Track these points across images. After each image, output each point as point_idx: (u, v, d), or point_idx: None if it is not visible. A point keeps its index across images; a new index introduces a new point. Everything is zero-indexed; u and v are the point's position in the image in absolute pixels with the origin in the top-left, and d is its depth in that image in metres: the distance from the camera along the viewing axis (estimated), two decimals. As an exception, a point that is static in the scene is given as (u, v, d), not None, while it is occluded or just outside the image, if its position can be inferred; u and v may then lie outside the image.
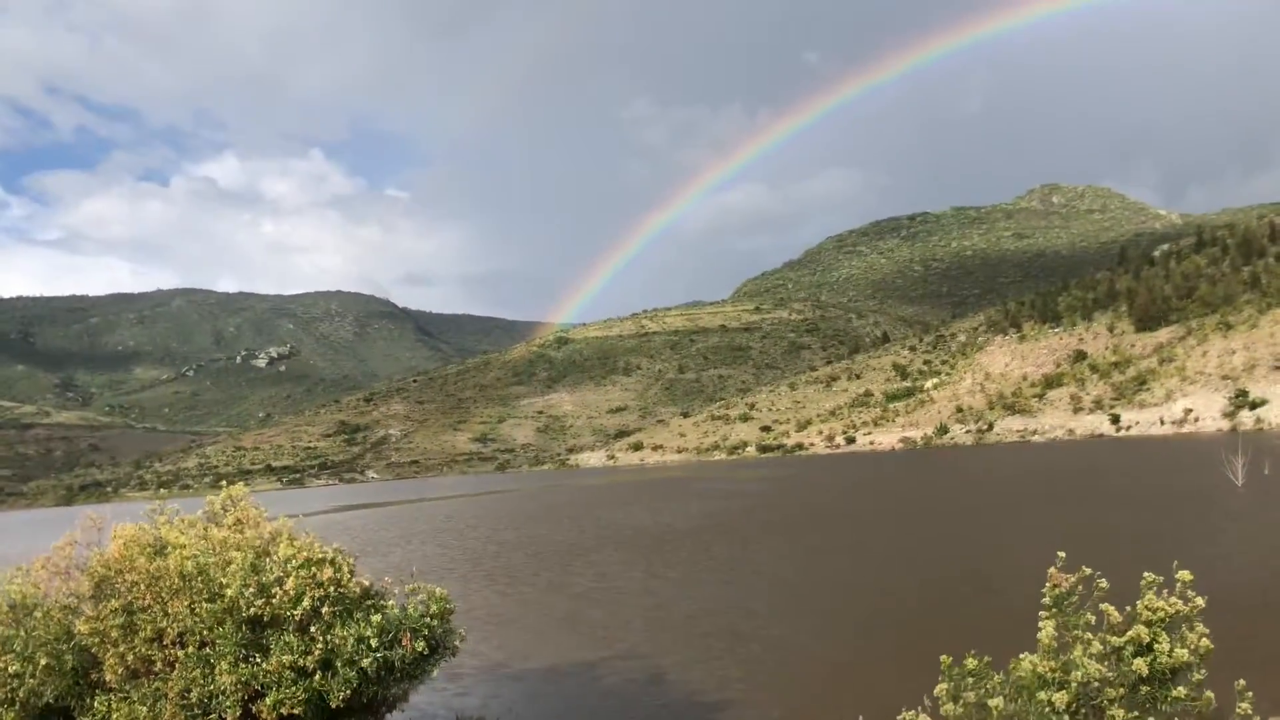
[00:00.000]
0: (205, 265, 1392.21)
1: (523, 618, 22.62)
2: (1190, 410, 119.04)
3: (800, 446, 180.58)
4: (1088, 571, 6.94)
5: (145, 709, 7.75)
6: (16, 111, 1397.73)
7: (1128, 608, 6.69)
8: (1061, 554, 7.09)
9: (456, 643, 8.85)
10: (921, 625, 18.36)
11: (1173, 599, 6.56)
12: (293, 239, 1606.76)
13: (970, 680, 6.55)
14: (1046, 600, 6.86)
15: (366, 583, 8.72)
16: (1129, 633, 6.43)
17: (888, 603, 21.49)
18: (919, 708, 6.84)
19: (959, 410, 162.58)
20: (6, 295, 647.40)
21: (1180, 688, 6.18)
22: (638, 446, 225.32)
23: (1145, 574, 6.72)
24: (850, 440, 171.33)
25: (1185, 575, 6.64)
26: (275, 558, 8.38)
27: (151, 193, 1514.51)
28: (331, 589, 8.10)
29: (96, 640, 8.46)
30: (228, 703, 7.62)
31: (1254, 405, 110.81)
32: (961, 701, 6.54)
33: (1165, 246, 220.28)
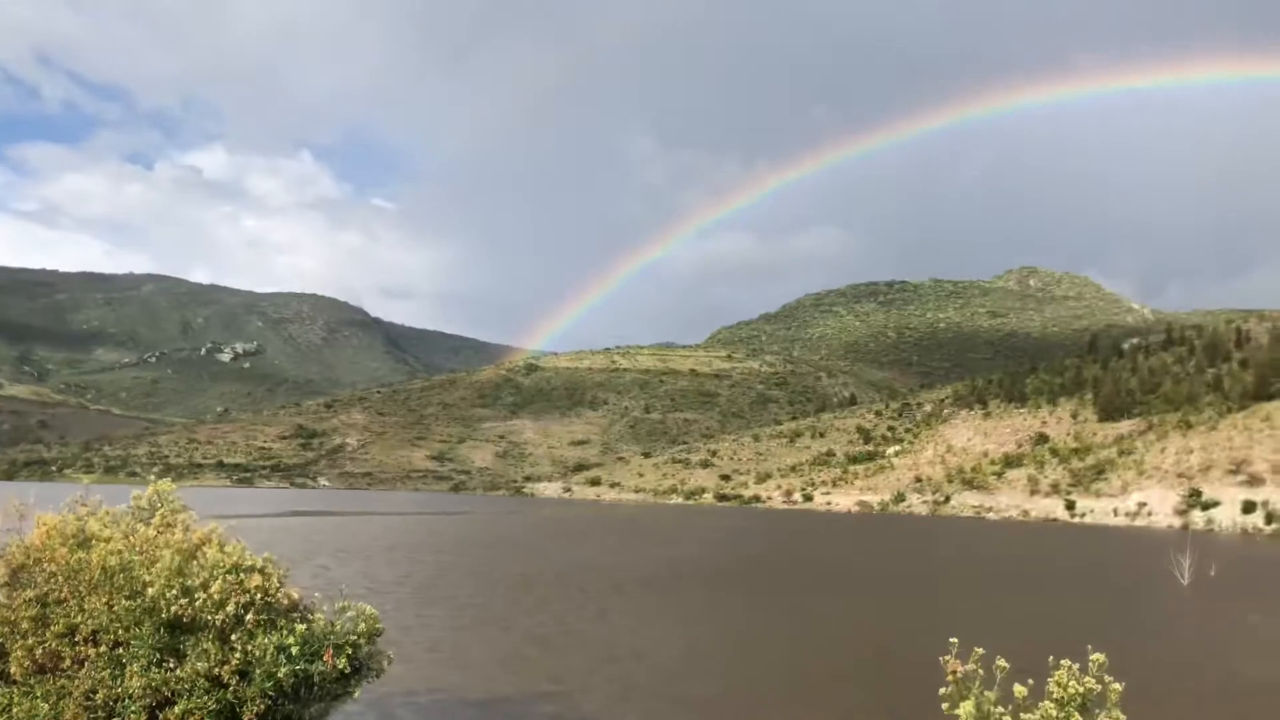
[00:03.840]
0: (180, 254, 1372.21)
1: (462, 651, 22.05)
2: (1144, 504, 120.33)
3: (757, 499, 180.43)
4: (980, 653, 6.87)
5: (47, 706, 7.36)
6: (5, 79, 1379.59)
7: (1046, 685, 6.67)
8: (954, 640, 7.02)
9: (384, 664, 8.53)
10: (861, 697, 18.14)
11: (1086, 678, 6.54)
12: (272, 237, 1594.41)
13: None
14: (947, 689, 6.82)
15: (295, 595, 8.39)
16: (1039, 709, 6.41)
17: (823, 671, 21.26)
18: None
19: (918, 480, 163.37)
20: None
21: None
22: (595, 482, 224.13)
23: (1054, 659, 6.72)
24: (808, 498, 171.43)
25: (1098, 657, 6.66)
26: (202, 561, 8.05)
27: (134, 175, 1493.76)
28: (258, 597, 7.78)
29: (5, 630, 8.08)
30: (133, 708, 7.24)
31: (1206, 506, 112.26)
32: None
33: (1134, 340, 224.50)
